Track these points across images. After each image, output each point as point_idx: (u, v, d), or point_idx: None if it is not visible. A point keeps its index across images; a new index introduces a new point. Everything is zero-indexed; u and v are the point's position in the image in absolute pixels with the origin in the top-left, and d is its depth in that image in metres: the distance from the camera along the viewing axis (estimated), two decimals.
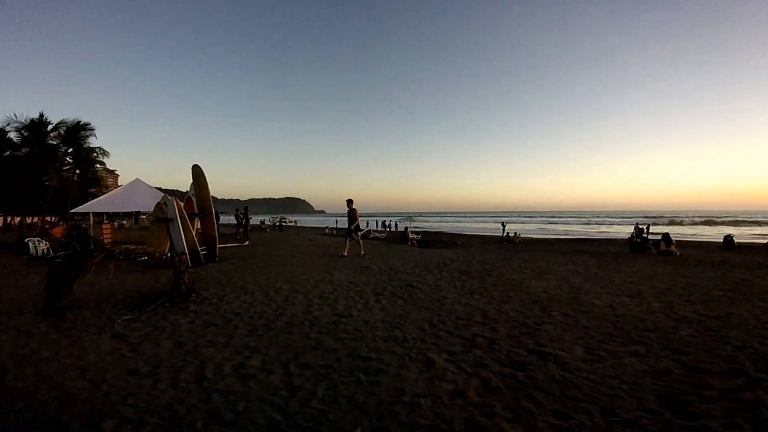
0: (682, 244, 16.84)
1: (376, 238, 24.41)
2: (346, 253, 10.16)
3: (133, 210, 16.57)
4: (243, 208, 18.58)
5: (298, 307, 4.98)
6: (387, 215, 69.31)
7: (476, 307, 4.97)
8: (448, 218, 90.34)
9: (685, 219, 54.05)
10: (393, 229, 33.84)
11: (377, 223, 37.99)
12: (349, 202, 10.36)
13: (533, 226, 46.45)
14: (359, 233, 10.60)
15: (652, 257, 11.44)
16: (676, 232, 25.96)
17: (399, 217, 60.32)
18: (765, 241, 15.98)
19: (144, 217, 18.83)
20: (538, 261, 9.51)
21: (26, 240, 13.42)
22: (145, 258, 8.53)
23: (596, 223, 52.20)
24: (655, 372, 2.89)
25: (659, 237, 13.79)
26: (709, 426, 2.15)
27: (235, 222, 18.49)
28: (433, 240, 22.60)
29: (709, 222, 46.32)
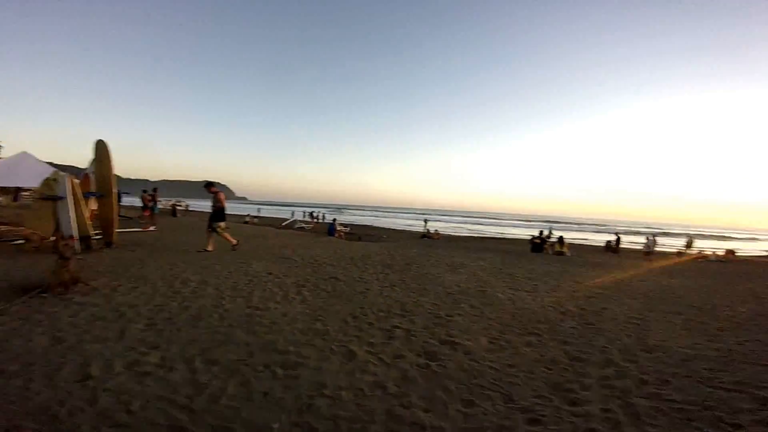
0: (575, 247, 19.46)
1: (302, 228, 23.77)
2: (210, 248, 8.37)
3: (12, 185, 13.71)
4: (152, 189, 16.56)
5: (207, 299, 4.57)
6: (316, 206, 67.58)
7: (396, 299, 5.10)
8: (378, 212, 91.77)
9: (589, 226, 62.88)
10: (321, 220, 33.24)
11: (304, 213, 36.97)
12: (209, 185, 8.65)
13: (453, 225, 49.71)
14: (223, 224, 8.69)
15: (547, 257, 13.04)
16: (572, 236, 29.82)
17: (329, 209, 59.33)
18: (640, 247, 19.24)
19: (27, 194, 15.66)
20: (454, 256, 10.17)
21: None
22: (22, 241, 7.30)
23: (510, 225, 58.15)
24: (546, 360, 3.24)
25: (556, 239, 15.89)
26: (590, 412, 2.43)
27: (141, 204, 16.26)
28: (362, 234, 22.78)
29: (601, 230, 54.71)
